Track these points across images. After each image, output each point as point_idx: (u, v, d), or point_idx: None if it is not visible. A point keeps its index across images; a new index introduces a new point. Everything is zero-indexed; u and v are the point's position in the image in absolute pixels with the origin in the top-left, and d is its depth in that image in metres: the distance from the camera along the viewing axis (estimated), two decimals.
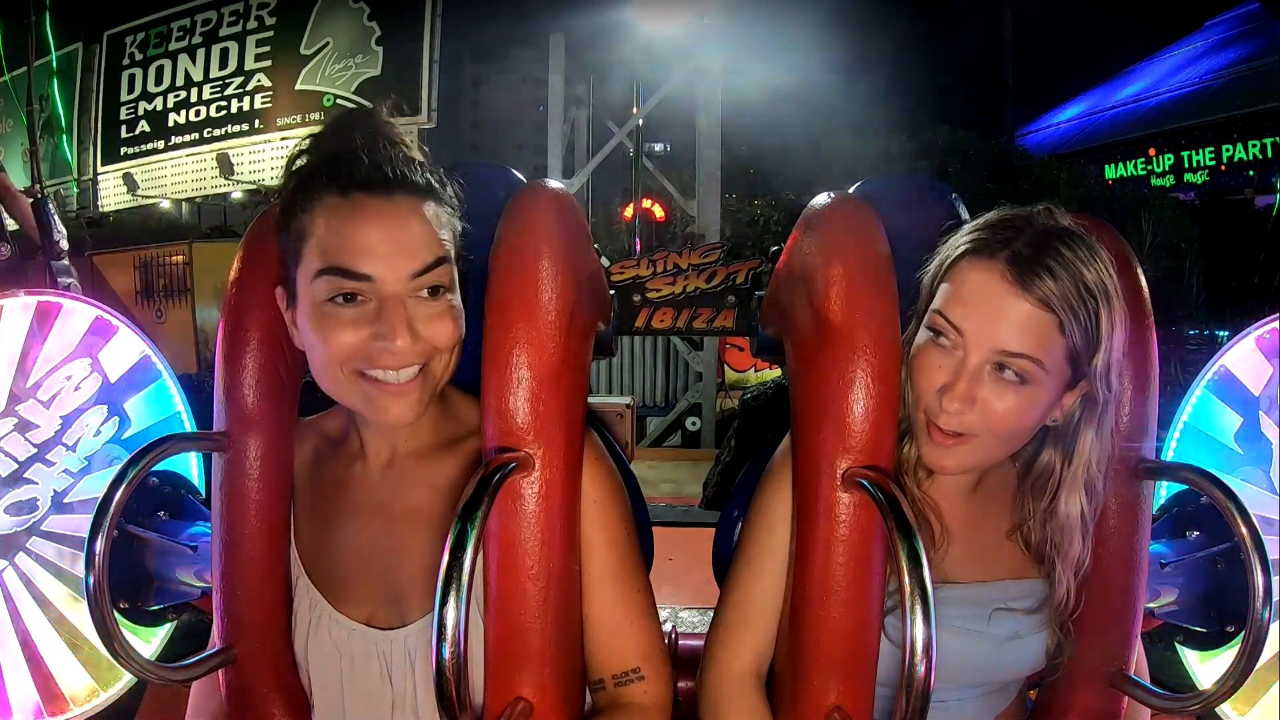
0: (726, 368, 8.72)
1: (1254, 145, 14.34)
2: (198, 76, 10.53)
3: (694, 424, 8.27)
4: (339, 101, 9.63)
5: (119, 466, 1.09)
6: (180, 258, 9.35)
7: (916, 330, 1.15)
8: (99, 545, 1.06)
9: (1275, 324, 1.56)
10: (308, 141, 1.10)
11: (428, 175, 1.07)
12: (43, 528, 1.65)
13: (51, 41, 10.97)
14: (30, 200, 4.69)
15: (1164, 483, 1.43)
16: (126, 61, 11.05)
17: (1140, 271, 1.18)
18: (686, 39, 8.04)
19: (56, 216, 4.62)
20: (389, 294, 1.01)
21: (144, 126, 10.91)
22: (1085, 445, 1.12)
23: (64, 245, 4.59)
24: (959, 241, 1.12)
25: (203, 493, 1.50)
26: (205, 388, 1.26)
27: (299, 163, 1.08)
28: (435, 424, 1.17)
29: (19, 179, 10.23)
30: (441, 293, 1.05)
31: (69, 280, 4.48)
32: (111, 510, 1.07)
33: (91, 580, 1.06)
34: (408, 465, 1.15)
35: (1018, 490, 1.21)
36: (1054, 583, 1.16)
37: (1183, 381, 1.63)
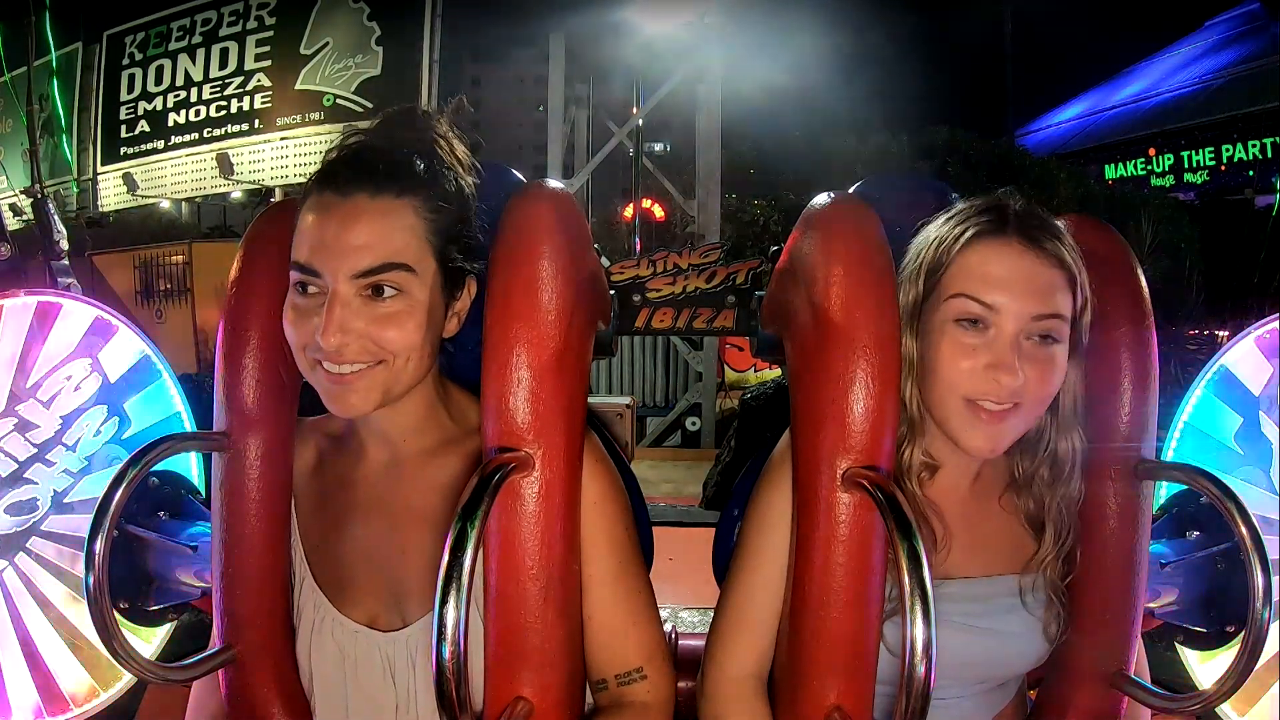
0: (726, 368, 8.73)
1: (1254, 145, 14.34)
2: (197, 76, 10.51)
3: (694, 424, 8.28)
4: (338, 101, 9.63)
5: (119, 467, 1.09)
6: (180, 258, 9.37)
7: (911, 332, 1.15)
8: (99, 545, 1.05)
9: (1275, 324, 1.56)
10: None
11: (406, 170, 1.06)
12: (43, 528, 1.65)
13: (51, 41, 10.95)
14: (31, 200, 4.68)
15: (1164, 483, 1.42)
16: (126, 61, 11.03)
17: (1139, 272, 1.18)
18: (686, 39, 8.04)
19: (57, 216, 4.61)
20: (331, 290, 1.02)
21: (144, 126, 10.89)
22: (1070, 383, 1.14)
23: (64, 245, 4.58)
24: (951, 231, 1.14)
25: (203, 493, 1.50)
26: (205, 388, 1.26)
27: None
28: (437, 423, 1.17)
29: (19, 179, 10.25)
30: (390, 295, 1.04)
31: (69, 280, 4.47)
32: (111, 510, 1.07)
33: (91, 580, 1.06)
34: (410, 464, 1.15)
35: (1013, 457, 1.22)
36: (1042, 540, 1.18)
37: (1183, 381, 1.63)
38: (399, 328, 1.04)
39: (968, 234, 1.12)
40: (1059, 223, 1.13)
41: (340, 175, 1.04)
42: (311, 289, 1.03)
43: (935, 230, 1.16)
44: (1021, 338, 1.08)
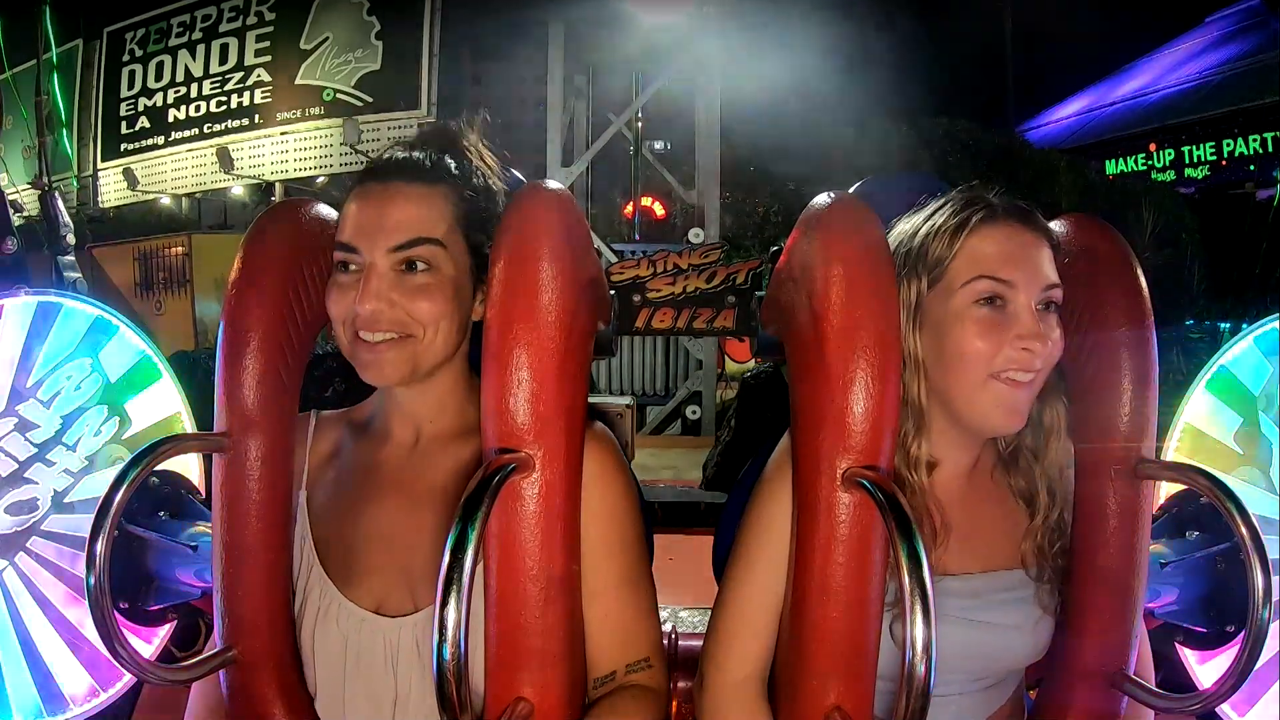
0: (727, 359, 8.72)
1: (1254, 140, 14.31)
2: (198, 72, 10.49)
3: (694, 412, 8.28)
4: (338, 96, 9.61)
5: (120, 467, 1.09)
6: (180, 249, 9.37)
7: (912, 332, 1.16)
8: (100, 546, 1.06)
9: (1275, 324, 1.56)
10: None
11: (438, 163, 1.17)
12: (43, 528, 1.65)
13: (52, 38, 10.92)
14: (38, 193, 4.69)
15: (1164, 483, 1.42)
16: (126, 58, 11.00)
17: (1139, 271, 1.18)
18: (686, 30, 8.03)
19: (64, 210, 4.61)
20: (368, 264, 1.11)
21: (144, 122, 10.87)
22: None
23: (71, 239, 4.58)
24: (949, 223, 1.17)
25: (203, 493, 1.50)
26: (201, 365, 1.27)
27: None
28: (460, 408, 1.21)
29: (19, 175, 10.23)
30: (421, 270, 1.12)
31: (75, 275, 4.47)
32: (112, 511, 1.07)
33: (92, 580, 1.06)
34: (432, 447, 1.20)
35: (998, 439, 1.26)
36: (1035, 509, 1.22)
37: (1185, 371, 1.62)
38: (429, 299, 1.12)
39: (973, 220, 1.16)
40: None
41: (381, 169, 1.17)
42: (352, 267, 1.13)
43: (925, 226, 1.19)
44: (1035, 308, 1.13)
